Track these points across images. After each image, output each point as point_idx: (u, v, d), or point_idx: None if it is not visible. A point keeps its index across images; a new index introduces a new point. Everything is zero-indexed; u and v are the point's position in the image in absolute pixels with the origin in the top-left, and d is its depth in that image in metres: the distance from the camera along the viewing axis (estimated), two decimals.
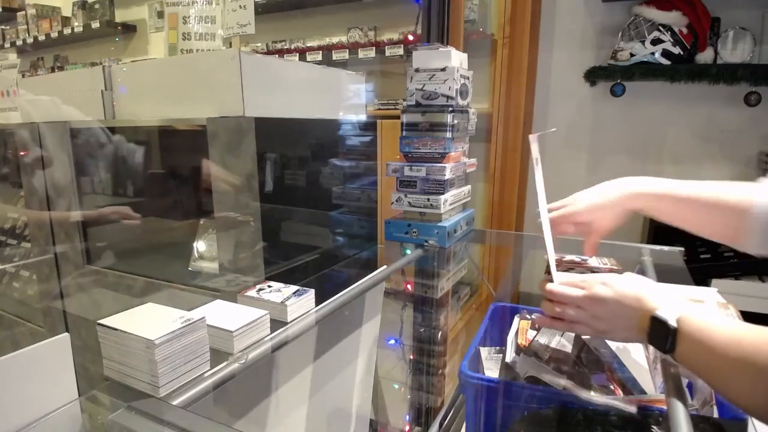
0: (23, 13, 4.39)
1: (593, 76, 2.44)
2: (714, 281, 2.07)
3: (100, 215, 1.45)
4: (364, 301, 1.19)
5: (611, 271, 0.82)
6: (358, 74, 1.54)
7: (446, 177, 1.26)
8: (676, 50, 2.26)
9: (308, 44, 3.21)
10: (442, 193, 1.27)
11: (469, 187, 1.49)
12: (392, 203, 1.33)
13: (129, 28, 4.14)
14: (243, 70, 1.07)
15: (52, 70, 4.54)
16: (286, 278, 0.93)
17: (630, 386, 0.76)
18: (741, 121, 2.32)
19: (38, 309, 1.63)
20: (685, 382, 0.62)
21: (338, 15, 3.16)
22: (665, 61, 2.27)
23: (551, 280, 0.74)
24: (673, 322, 0.58)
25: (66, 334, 0.59)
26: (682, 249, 1.24)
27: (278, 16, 3.34)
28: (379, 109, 2.82)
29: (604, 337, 0.72)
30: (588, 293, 0.68)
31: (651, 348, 0.69)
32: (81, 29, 4.07)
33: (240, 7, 1.19)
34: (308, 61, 2.97)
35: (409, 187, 1.31)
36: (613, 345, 0.80)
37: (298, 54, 3.09)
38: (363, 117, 1.58)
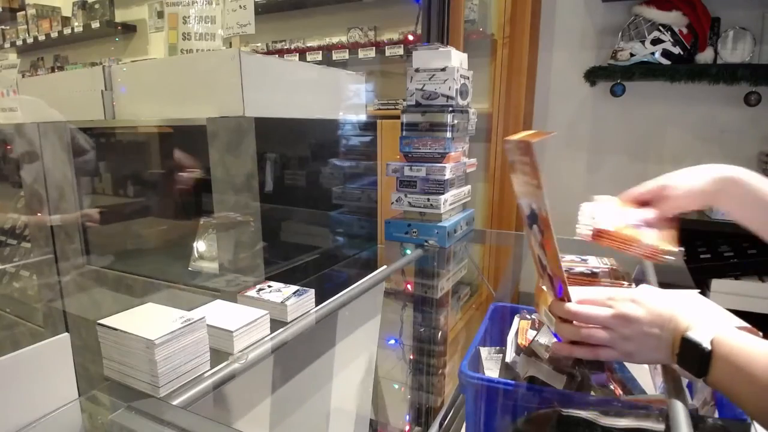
0: (23, 13, 4.39)
1: (593, 76, 2.44)
2: (714, 281, 2.07)
3: (74, 218, 1.47)
4: (364, 301, 1.19)
5: (612, 271, 0.82)
6: (358, 74, 1.54)
7: (446, 177, 1.26)
8: (676, 50, 2.26)
9: (308, 44, 3.21)
10: (442, 193, 1.27)
11: (469, 187, 1.49)
12: (392, 203, 1.33)
13: (129, 28, 4.14)
14: (243, 70, 1.07)
15: (52, 70, 4.54)
16: (286, 278, 0.93)
17: (630, 386, 0.76)
18: (741, 121, 2.32)
19: (38, 309, 1.63)
20: (685, 382, 0.62)
21: (338, 15, 3.16)
22: (665, 61, 2.27)
23: (548, 293, 0.68)
24: (706, 345, 0.53)
25: (66, 334, 0.59)
26: (682, 249, 1.24)
27: (278, 16, 3.34)
28: (379, 109, 2.82)
29: (629, 359, 0.65)
30: (617, 312, 0.61)
31: None
32: (81, 29, 4.07)
33: (240, 7, 1.19)
34: (308, 61, 2.97)
35: (409, 187, 1.31)
36: None
37: (298, 54, 3.09)
38: (363, 117, 1.58)
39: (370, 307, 1.25)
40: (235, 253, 1.18)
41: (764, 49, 2.22)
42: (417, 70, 1.28)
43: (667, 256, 0.71)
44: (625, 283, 0.79)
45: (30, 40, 4.39)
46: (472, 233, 1.50)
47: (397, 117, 1.35)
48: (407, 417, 1.49)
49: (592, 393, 0.77)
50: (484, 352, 0.93)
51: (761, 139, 2.31)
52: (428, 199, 1.28)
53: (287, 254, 1.32)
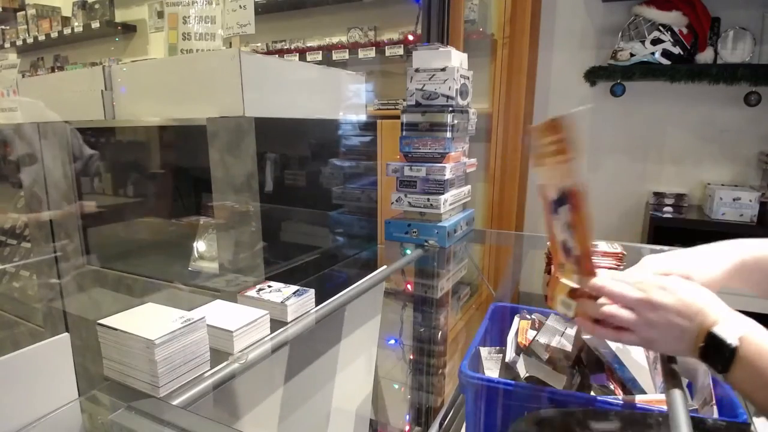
0: (23, 13, 4.39)
1: (593, 76, 2.44)
2: None
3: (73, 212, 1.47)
4: (364, 301, 1.19)
5: (618, 255, 0.82)
6: (358, 74, 1.54)
7: (446, 177, 1.26)
8: (676, 50, 2.26)
9: (308, 44, 3.21)
10: (442, 193, 1.27)
11: (469, 187, 1.49)
12: (392, 203, 1.33)
13: (129, 28, 4.14)
14: (243, 70, 1.07)
15: (52, 70, 4.54)
16: (286, 278, 0.93)
17: (630, 386, 0.76)
18: (741, 121, 2.32)
19: (38, 309, 1.63)
20: (685, 382, 0.62)
21: (338, 15, 3.16)
22: (665, 61, 2.27)
23: (558, 279, 0.68)
24: (732, 341, 0.53)
25: (66, 334, 0.59)
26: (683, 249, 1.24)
27: (278, 16, 3.34)
28: (379, 109, 2.82)
29: (649, 346, 0.64)
30: (646, 296, 0.60)
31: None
32: (81, 29, 4.07)
33: (240, 7, 1.19)
34: (308, 61, 2.97)
35: (409, 187, 1.31)
36: (613, 345, 0.79)
37: (298, 54, 3.09)
38: (363, 117, 1.58)
39: (370, 307, 1.25)
40: (235, 253, 1.18)
41: (764, 49, 2.22)
42: (417, 70, 1.28)
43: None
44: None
45: (30, 40, 4.39)
46: (472, 233, 1.50)
47: (397, 117, 1.35)
48: (407, 417, 1.49)
49: (592, 393, 0.77)
50: (484, 352, 0.93)
51: (761, 139, 2.31)
52: (428, 199, 1.28)
53: (287, 254, 1.32)
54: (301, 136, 1.39)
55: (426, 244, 1.28)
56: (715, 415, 0.70)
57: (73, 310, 1.51)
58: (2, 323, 1.76)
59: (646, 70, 2.29)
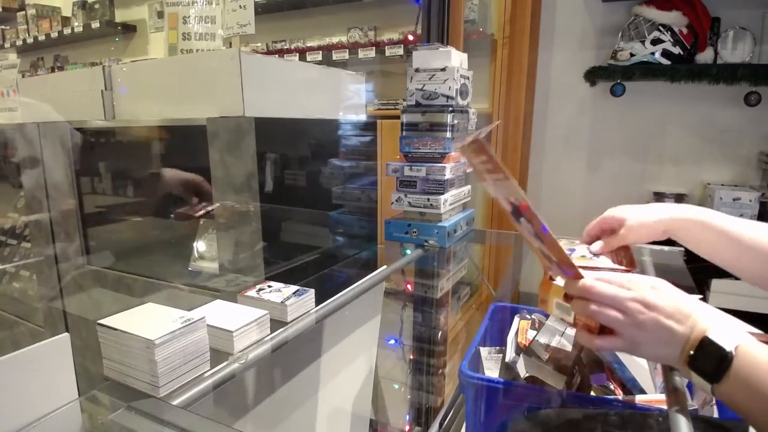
0: (23, 13, 4.39)
1: (593, 76, 2.44)
2: (714, 281, 2.07)
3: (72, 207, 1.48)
4: (364, 301, 1.19)
5: (626, 272, 0.81)
6: (358, 74, 1.54)
7: (446, 177, 1.26)
8: (676, 50, 2.26)
9: (308, 44, 3.21)
10: (442, 193, 1.27)
11: (469, 187, 1.49)
12: (392, 203, 1.33)
13: (129, 28, 4.14)
14: (243, 70, 1.07)
15: (52, 70, 4.54)
16: (286, 278, 0.93)
17: (630, 386, 0.76)
18: (741, 121, 2.32)
19: (38, 309, 1.63)
20: (685, 382, 0.62)
21: (338, 15, 3.16)
22: (665, 61, 2.27)
23: (550, 282, 0.67)
24: (729, 349, 0.50)
25: (66, 334, 0.59)
26: (683, 249, 1.24)
27: (278, 16, 3.34)
28: (379, 109, 2.82)
29: (633, 349, 0.60)
30: (635, 295, 0.57)
31: None
32: (81, 29, 4.07)
33: (240, 7, 1.19)
34: (308, 61, 2.97)
35: (409, 187, 1.31)
36: None
37: (298, 54, 3.09)
38: (363, 117, 1.58)
39: (370, 307, 1.25)
40: (235, 253, 1.18)
41: (764, 49, 2.22)
42: (417, 70, 1.28)
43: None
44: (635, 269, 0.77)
45: (30, 40, 4.39)
46: (472, 233, 1.50)
47: (397, 117, 1.35)
48: (407, 417, 1.49)
49: (592, 393, 0.77)
50: (484, 352, 0.93)
51: (761, 139, 2.31)
52: (428, 199, 1.28)
53: (287, 254, 1.32)
54: (301, 136, 1.39)
55: (426, 244, 1.28)
56: (715, 414, 0.70)
57: (73, 310, 1.51)
58: (2, 323, 1.76)
59: (646, 70, 2.29)
